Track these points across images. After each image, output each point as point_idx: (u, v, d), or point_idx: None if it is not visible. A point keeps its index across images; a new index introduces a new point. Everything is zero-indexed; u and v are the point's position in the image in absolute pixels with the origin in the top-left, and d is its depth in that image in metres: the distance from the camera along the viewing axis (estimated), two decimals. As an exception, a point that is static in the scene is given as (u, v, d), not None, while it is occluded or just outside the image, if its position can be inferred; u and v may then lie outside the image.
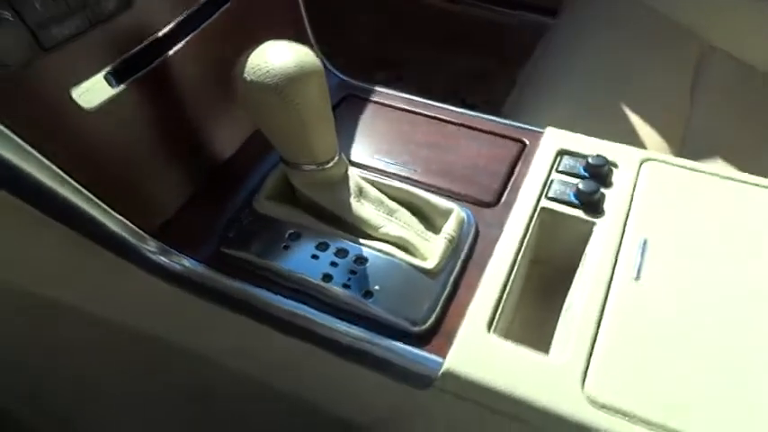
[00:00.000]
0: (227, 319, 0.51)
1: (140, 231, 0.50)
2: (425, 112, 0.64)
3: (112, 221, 0.49)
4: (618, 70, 0.98)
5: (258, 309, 0.49)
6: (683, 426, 0.40)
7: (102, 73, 0.46)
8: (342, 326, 0.47)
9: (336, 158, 0.50)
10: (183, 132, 0.54)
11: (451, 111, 0.63)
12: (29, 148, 0.42)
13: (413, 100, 0.65)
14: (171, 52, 0.50)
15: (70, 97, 0.44)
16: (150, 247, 0.51)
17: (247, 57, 0.45)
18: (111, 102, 0.47)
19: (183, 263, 0.51)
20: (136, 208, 0.50)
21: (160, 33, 0.49)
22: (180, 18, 0.50)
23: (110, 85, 0.47)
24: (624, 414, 0.41)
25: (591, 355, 0.44)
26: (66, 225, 0.48)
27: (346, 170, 0.52)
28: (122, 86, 0.47)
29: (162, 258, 0.51)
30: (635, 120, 0.89)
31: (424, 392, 0.46)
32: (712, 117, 0.92)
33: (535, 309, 0.51)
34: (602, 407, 0.41)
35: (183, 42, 0.51)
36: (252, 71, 0.44)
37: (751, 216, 0.51)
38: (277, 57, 0.44)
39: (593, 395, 0.42)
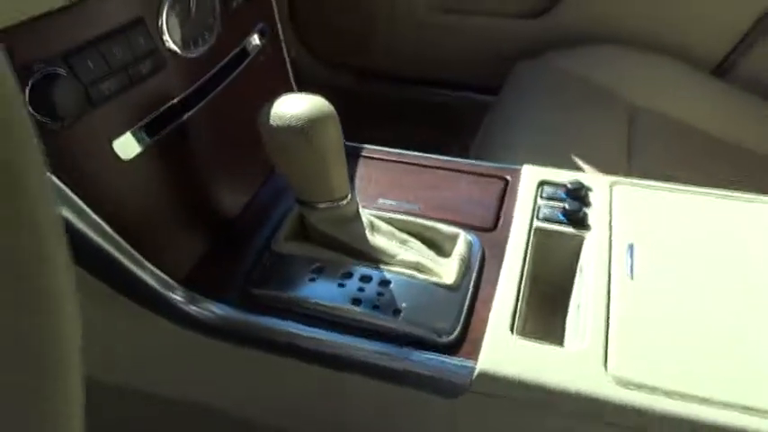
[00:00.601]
0: (269, 364, 0.52)
1: (169, 280, 0.52)
2: (414, 162, 0.70)
3: (144, 271, 0.51)
4: (558, 131, 1.09)
5: (300, 347, 0.51)
6: (697, 390, 0.45)
7: (136, 128, 0.50)
8: (377, 347, 0.50)
9: (350, 196, 0.55)
10: (203, 183, 0.58)
11: (437, 158, 0.70)
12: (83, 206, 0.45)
13: (401, 152, 0.71)
14: (194, 111, 0.55)
15: (112, 149, 0.47)
16: (179, 296, 0.53)
17: (270, 107, 0.51)
18: (143, 154, 0.51)
19: (213, 309, 0.53)
20: (162, 259, 0.53)
21: (184, 94, 0.54)
22: (200, 81, 0.56)
23: (142, 139, 0.51)
24: (648, 388, 0.45)
25: (607, 341, 0.48)
26: (102, 279, 0.49)
27: (358, 208, 0.57)
28: (153, 140, 0.51)
29: (192, 307, 0.53)
30: (581, 167, 0.99)
31: (456, 402, 0.49)
32: (648, 169, 1.03)
33: (541, 314, 0.56)
34: (628, 384, 0.46)
35: (203, 102, 0.56)
36: (278, 117, 0.50)
37: (712, 219, 0.59)
38: (300, 104, 0.50)
39: (618, 375, 0.46)
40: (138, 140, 0.51)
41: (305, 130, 0.49)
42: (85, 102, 0.44)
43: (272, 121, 0.50)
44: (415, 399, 0.51)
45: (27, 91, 0.41)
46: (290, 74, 0.71)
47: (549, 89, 1.18)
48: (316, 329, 0.52)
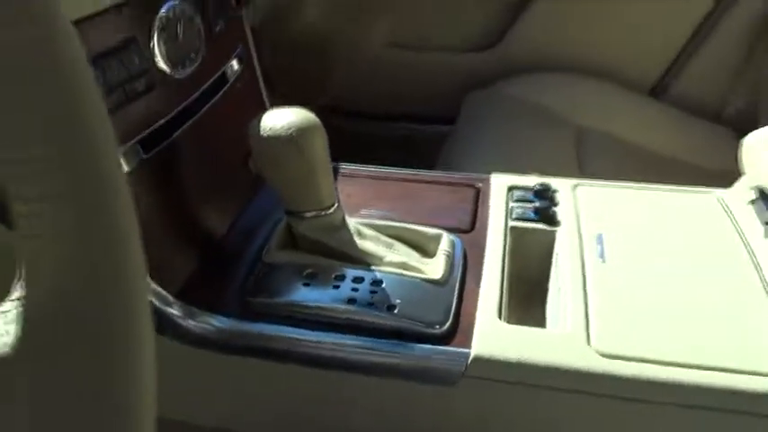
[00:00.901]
0: (272, 372, 0.54)
1: (167, 295, 0.53)
2: (389, 176, 0.74)
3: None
4: (512, 154, 1.15)
5: (302, 352, 0.53)
6: (672, 356, 0.49)
7: (128, 145, 0.52)
8: (376, 344, 0.52)
9: (337, 204, 0.58)
10: (191, 201, 0.59)
11: (410, 171, 0.74)
12: None
13: (375, 168, 0.75)
14: (181, 130, 0.57)
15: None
16: (176, 311, 0.54)
17: (259, 120, 0.54)
18: (134, 172, 0.52)
19: (212, 322, 0.54)
20: (155, 275, 0.54)
21: (173, 114, 0.57)
22: (188, 101, 0.58)
23: (133, 157, 0.52)
24: (629, 358, 0.49)
25: (588, 320, 0.52)
26: None
27: (344, 215, 0.60)
28: (143, 158, 0.53)
29: (191, 322, 0.54)
30: None
31: (455, 389, 0.51)
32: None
33: (524, 302, 0.59)
34: (611, 356, 0.49)
35: (190, 121, 0.58)
36: (268, 128, 0.53)
37: (662, 209, 0.65)
38: (288, 115, 0.53)
39: (601, 349, 0.50)
40: (130, 158, 0.52)
41: (295, 139, 0.52)
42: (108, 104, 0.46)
43: (263, 133, 0.53)
44: (416, 391, 0.52)
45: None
46: (265, 96, 0.74)
47: (502, 116, 1.25)
48: (315, 332, 0.53)
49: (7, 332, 0.20)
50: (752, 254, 0.57)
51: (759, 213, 0.59)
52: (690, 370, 0.48)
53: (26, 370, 0.19)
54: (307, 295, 0.55)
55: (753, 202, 0.60)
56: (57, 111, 0.21)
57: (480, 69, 1.33)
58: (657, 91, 1.29)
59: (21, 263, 0.21)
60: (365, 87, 1.40)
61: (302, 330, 0.54)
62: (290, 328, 0.54)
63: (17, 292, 0.21)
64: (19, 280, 0.21)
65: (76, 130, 0.21)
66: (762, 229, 0.57)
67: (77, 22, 0.46)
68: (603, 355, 0.49)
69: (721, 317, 0.52)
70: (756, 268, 0.55)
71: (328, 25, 1.42)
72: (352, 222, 0.60)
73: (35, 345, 0.20)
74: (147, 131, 0.54)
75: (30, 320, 0.20)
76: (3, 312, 0.20)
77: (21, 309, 0.20)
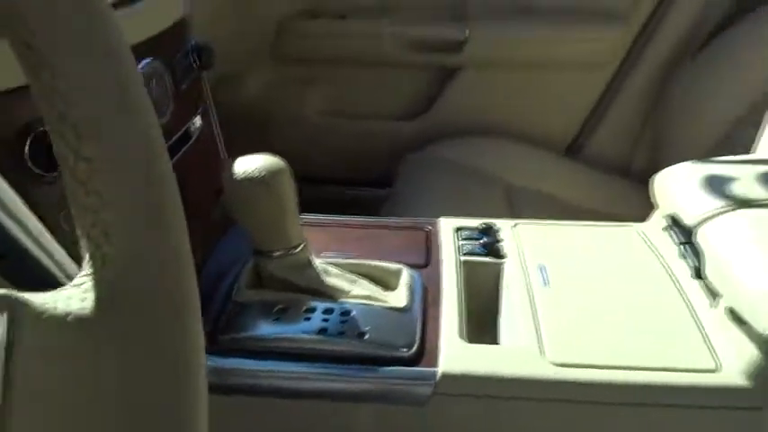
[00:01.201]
0: (247, 408, 0.55)
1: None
2: (343, 223, 0.78)
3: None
4: (449, 212, 1.23)
5: (277, 385, 0.55)
6: (617, 361, 0.55)
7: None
8: (349, 371, 0.55)
9: (304, 243, 0.62)
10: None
11: (364, 219, 0.79)
12: None
13: (330, 218, 0.79)
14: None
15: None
16: None
17: (232, 164, 0.58)
18: None
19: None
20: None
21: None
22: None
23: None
24: (578, 366, 0.54)
25: (540, 334, 0.58)
26: None
27: (311, 254, 0.63)
28: None
29: None
30: None
31: (426, 407, 0.55)
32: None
33: (480, 325, 0.64)
34: (563, 365, 0.55)
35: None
36: (242, 171, 0.57)
37: (592, 241, 0.73)
38: (259, 160, 0.58)
39: (554, 359, 0.55)
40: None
41: (266, 180, 0.57)
42: None
43: (236, 176, 0.57)
44: (389, 413, 0.55)
45: (27, 147, 0.45)
46: (222, 148, 0.78)
47: (437, 177, 1.34)
48: (289, 364, 0.56)
49: (86, 298, 0.22)
50: (669, 271, 0.65)
51: (672, 237, 0.67)
52: (631, 371, 0.54)
53: (108, 325, 0.22)
54: (278, 329, 0.58)
55: (666, 228, 0.69)
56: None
57: (414, 135, 1.43)
58: (573, 151, 1.42)
59: (85, 234, 0.24)
60: (304, 153, 1.46)
61: (275, 363, 0.56)
62: (264, 362, 0.56)
63: (85, 269, 0.24)
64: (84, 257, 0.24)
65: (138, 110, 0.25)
66: (676, 249, 0.66)
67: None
68: (557, 365, 0.55)
69: (651, 324, 0.59)
70: (674, 283, 0.63)
71: (268, 97, 1.49)
72: (317, 261, 0.64)
73: (113, 303, 0.22)
74: None
75: (105, 282, 0.23)
76: (78, 285, 0.23)
77: (95, 276, 0.23)
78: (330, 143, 1.48)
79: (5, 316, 0.20)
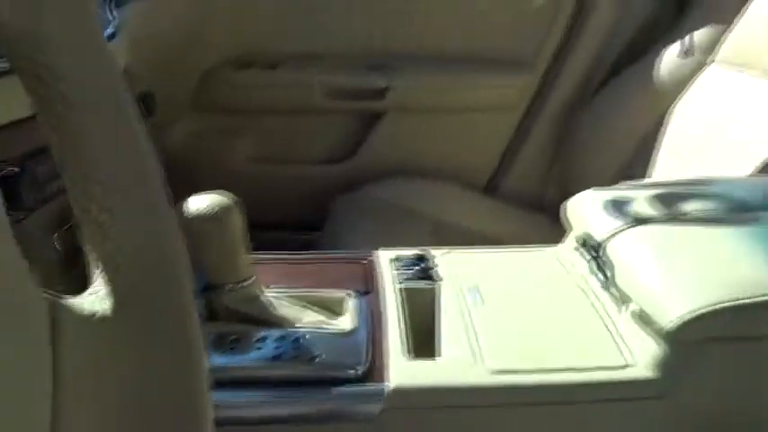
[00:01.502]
0: None
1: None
2: (286, 259, 0.82)
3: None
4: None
5: (233, 415, 0.57)
6: (547, 363, 0.61)
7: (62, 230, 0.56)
8: (305, 394, 0.59)
9: (255, 276, 0.66)
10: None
11: (304, 254, 0.83)
12: None
13: (273, 255, 0.83)
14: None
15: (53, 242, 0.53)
16: None
17: (184, 205, 0.61)
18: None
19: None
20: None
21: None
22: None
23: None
24: (515, 371, 0.61)
25: (479, 345, 0.63)
26: None
27: (261, 286, 0.67)
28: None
29: None
30: None
31: (379, 421, 0.59)
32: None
33: (422, 343, 0.69)
34: (502, 372, 0.60)
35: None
36: (195, 209, 0.60)
37: (519, 264, 0.81)
38: (211, 198, 0.61)
39: (493, 367, 0.61)
40: (54, 249, 0.57)
41: (219, 215, 0.60)
42: (39, 197, 0.51)
43: (189, 213, 0.60)
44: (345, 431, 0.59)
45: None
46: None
47: (365, 218, 1.40)
48: (245, 393, 0.59)
49: (104, 301, 0.26)
50: (583, 285, 0.73)
51: (583, 255, 0.76)
52: (557, 373, 0.61)
53: (127, 321, 0.26)
54: (233, 359, 0.60)
55: (577, 248, 0.78)
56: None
57: (343, 177, 1.49)
58: (492, 188, 1.53)
59: (95, 246, 0.27)
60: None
61: (232, 393, 0.59)
62: (221, 393, 0.58)
63: (98, 279, 0.28)
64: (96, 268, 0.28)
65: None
66: (587, 266, 0.74)
67: (13, 124, 0.52)
68: (494, 372, 0.60)
69: (570, 331, 0.66)
70: (587, 295, 0.71)
71: (195, 145, 1.51)
72: (265, 293, 0.67)
73: (129, 303, 0.26)
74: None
75: (120, 286, 0.26)
76: (93, 293, 0.27)
77: (110, 284, 0.27)
78: (260, 189, 1.50)
79: (48, 318, 0.23)
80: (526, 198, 1.52)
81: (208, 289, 0.65)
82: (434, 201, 1.42)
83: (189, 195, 0.62)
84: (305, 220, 1.50)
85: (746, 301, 0.57)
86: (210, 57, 1.45)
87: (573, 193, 0.87)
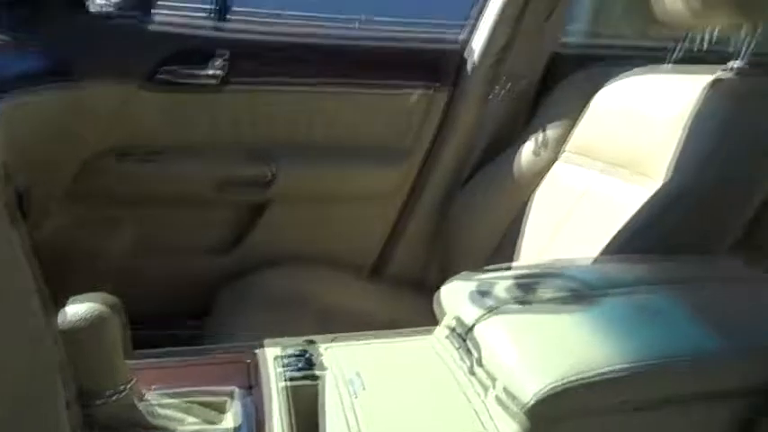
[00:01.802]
0: None
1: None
2: (168, 357, 0.81)
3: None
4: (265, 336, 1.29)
5: None
6: None
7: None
8: None
9: (134, 380, 0.65)
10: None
11: (187, 349, 0.83)
12: None
13: (151, 352, 0.82)
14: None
15: None
16: None
17: (61, 313, 0.60)
18: None
19: None
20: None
21: None
22: None
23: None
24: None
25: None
26: None
27: (141, 390, 0.66)
28: None
29: None
30: None
31: None
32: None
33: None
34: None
35: None
36: (71, 318, 0.60)
37: (396, 351, 0.85)
38: (87, 306, 0.61)
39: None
40: None
41: (94, 324, 0.61)
42: None
43: (64, 324, 0.60)
44: None
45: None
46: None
47: (251, 306, 1.40)
48: None
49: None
50: (454, 369, 0.79)
51: (452, 343, 0.82)
52: None
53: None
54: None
55: (447, 336, 0.84)
56: None
57: (228, 267, 1.49)
58: (376, 271, 1.59)
59: None
60: (115, 293, 1.43)
61: None
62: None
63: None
64: None
65: None
66: (456, 353, 0.80)
67: None
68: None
69: (440, 417, 0.71)
70: (457, 380, 0.77)
71: (68, 237, 1.45)
72: (148, 396, 0.67)
73: None
74: None
75: None
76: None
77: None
78: (140, 282, 1.46)
79: None
80: (409, 280, 1.59)
81: (85, 397, 0.63)
82: (321, 287, 1.46)
83: (69, 290, 0.61)
84: (191, 309, 1.48)
85: (589, 376, 0.65)
86: (88, 148, 1.42)
87: (452, 275, 0.94)
